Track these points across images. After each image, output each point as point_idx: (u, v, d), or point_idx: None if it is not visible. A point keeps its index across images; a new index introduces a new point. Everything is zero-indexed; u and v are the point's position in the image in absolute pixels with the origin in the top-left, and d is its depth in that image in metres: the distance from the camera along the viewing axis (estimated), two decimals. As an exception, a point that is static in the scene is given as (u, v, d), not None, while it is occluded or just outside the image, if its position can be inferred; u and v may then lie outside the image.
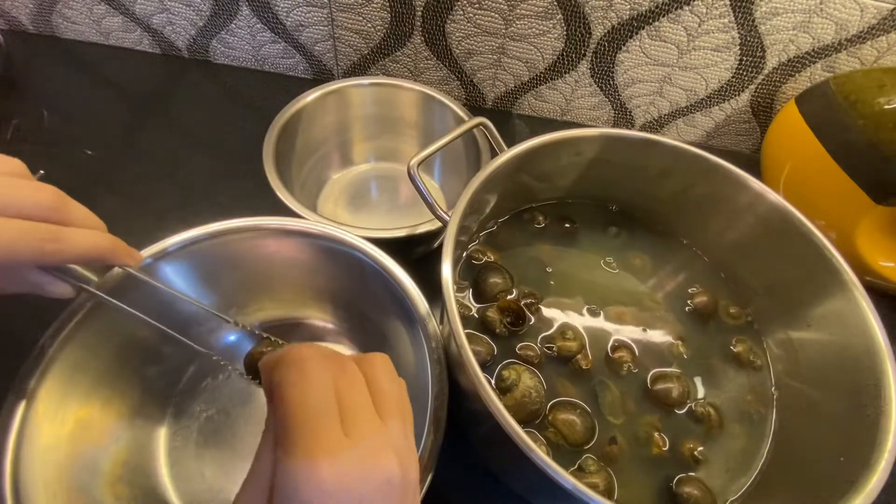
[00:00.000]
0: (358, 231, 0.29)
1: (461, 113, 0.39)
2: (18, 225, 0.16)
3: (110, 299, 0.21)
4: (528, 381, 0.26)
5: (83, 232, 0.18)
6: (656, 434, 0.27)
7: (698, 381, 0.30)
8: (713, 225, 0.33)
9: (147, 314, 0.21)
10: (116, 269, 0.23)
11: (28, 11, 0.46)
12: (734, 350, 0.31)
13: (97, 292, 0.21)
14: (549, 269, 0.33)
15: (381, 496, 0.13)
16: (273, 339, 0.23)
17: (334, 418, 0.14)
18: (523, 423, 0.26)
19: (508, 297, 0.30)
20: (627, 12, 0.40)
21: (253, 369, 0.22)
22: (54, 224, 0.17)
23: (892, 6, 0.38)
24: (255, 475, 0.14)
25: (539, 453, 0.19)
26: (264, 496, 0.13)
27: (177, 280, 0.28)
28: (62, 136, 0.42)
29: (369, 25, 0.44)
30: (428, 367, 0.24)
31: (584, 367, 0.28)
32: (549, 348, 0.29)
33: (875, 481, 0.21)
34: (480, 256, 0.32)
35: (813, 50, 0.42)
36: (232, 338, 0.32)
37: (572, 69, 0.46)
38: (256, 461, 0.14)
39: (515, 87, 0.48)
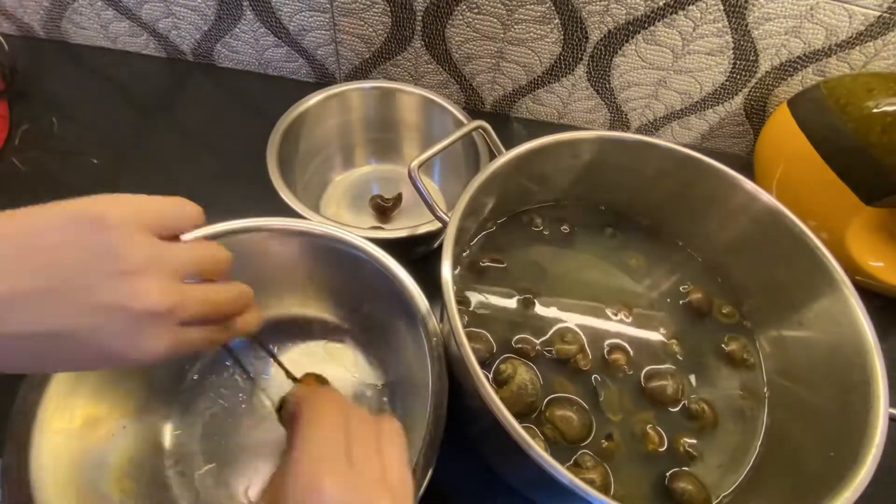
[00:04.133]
0: (360, 231, 0.29)
1: (460, 116, 0.39)
2: (204, 334, 0.18)
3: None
4: (524, 374, 0.27)
5: (243, 321, 0.20)
6: (651, 431, 0.28)
7: (692, 378, 0.30)
8: (707, 226, 0.34)
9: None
10: None
11: (39, 18, 0.47)
12: (727, 349, 0.31)
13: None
14: (546, 270, 0.33)
15: None
16: (305, 379, 0.25)
17: (341, 450, 0.17)
18: (520, 415, 0.27)
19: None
20: (623, 17, 0.41)
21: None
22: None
23: (879, 13, 0.39)
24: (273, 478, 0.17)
25: (537, 449, 0.19)
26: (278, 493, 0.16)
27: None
28: (69, 140, 0.42)
29: (370, 30, 0.45)
30: (428, 365, 0.25)
31: (583, 368, 0.29)
32: (548, 351, 0.29)
33: (863, 475, 0.21)
34: (480, 256, 0.33)
35: (804, 54, 0.43)
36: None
37: (569, 73, 0.46)
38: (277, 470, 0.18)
39: (513, 90, 0.49)
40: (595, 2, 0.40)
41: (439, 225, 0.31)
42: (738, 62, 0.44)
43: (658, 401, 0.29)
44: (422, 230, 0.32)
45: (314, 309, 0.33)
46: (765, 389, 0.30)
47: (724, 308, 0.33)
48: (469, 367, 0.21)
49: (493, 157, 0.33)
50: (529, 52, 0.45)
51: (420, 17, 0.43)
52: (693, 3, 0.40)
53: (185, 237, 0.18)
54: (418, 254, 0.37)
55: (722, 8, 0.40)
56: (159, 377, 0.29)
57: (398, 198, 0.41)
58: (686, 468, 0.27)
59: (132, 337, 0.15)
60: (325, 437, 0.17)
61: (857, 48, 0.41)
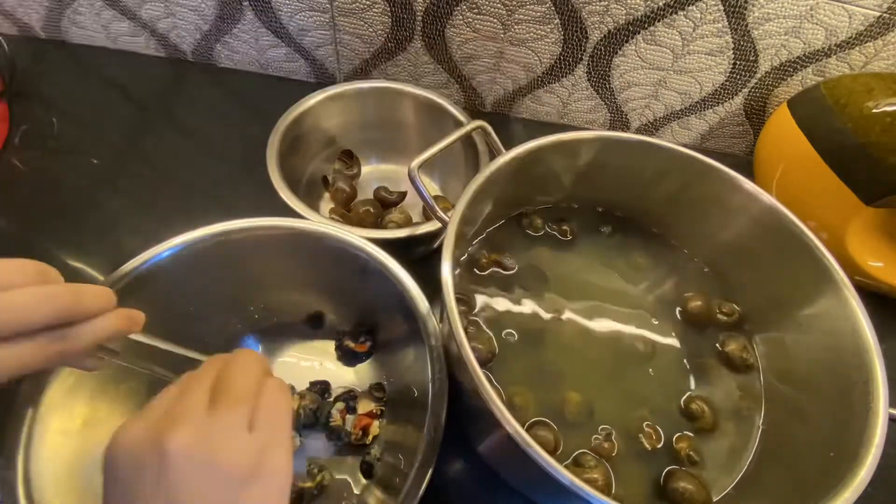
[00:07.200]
0: (360, 231, 0.29)
1: (460, 116, 0.39)
2: (30, 349, 0.16)
3: (134, 365, 0.22)
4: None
5: (91, 326, 0.18)
6: (650, 430, 0.28)
7: (691, 379, 0.30)
8: (707, 226, 0.34)
9: (158, 312, 0.22)
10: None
11: (39, 17, 0.47)
12: (726, 349, 0.31)
13: (123, 363, 0.21)
14: (546, 270, 0.33)
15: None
16: None
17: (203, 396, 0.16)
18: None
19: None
20: (623, 17, 0.41)
21: None
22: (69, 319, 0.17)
23: (878, 13, 0.39)
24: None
25: (537, 449, 0.19)
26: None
27: (181, 279, 0.28)
28: (69, 140, 0.42)
29: (370, 30, 0.45)
30: (428, 365, 0.25)
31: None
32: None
33: (863, 475, 0.21)
34: (479, 257, 0.33)
35: (804, 55, 0.43)
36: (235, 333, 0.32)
37: (569, 73, 0.46)
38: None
39: (514, 90, 0.49)
40: (595, 2, 0.40)
41: (439, 225, 0.31)
42: (738, 62, 0.44)
43: (656, 400, 0.29)
44: (422, 230, 0.32)
45: (314, 309, 0.33)
46: (764, 389, 0.30)
47: (723, 308, 0.33)
48: (469, 367, 0.21)
49: (493, 157, 0.33)
50: (529, 52, 0.45)
51: (420, 17, 0.43)
52: (693, 3, 0.40)
53: None
54: (418, 254, 0.37)
55: (722, 8, 0.40)
56: (160, 379, 0.29)
57: (402, 194, 0.41)
58: (685, 468, 0.27)
59: None
60: (187, 384, 0.16)
61: (857, 48, 0.41)
